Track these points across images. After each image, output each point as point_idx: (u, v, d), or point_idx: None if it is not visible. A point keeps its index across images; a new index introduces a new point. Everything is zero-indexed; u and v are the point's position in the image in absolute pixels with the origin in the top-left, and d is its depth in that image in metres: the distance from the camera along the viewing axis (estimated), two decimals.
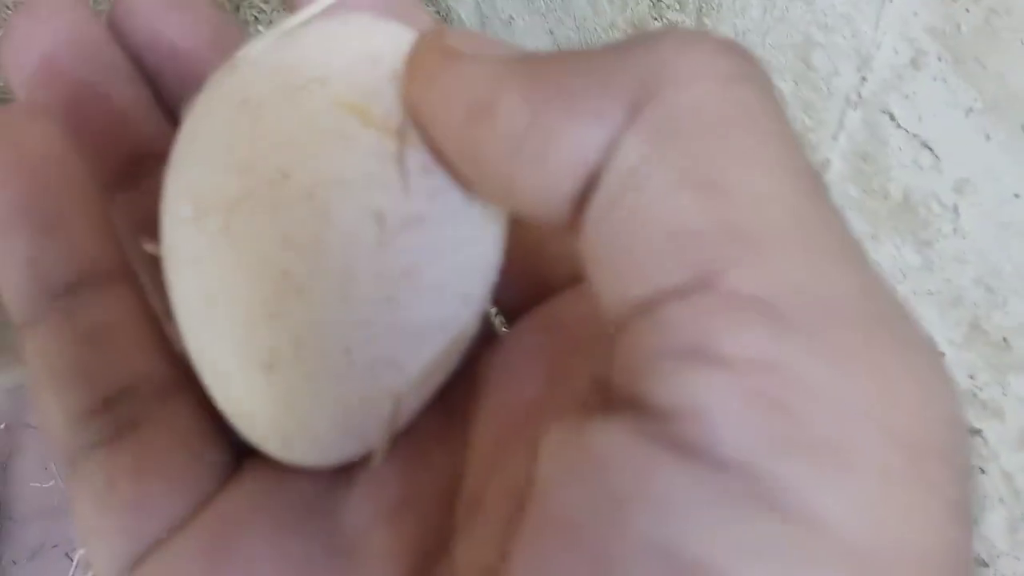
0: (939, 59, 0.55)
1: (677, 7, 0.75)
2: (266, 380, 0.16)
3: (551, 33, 1.01)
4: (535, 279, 0.20)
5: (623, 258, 0.13)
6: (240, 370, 0.16)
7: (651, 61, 0.14)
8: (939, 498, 0.12)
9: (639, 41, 0.14)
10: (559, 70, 0.14)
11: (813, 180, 0.13)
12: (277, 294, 0.16)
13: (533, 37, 1.06)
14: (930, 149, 0.59)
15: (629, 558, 0.12)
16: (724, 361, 0.12)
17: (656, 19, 0.79)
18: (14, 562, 0.77)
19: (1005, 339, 0.60)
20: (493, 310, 0.19)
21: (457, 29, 0.16)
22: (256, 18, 1.41)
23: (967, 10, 0.51)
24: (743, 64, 0.14)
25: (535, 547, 0.13)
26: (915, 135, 0.59)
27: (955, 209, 0.59)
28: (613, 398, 0.14)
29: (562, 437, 0.14)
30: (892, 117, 0.61)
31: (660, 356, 0.13)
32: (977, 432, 0.65)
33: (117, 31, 0.20)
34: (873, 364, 0.12)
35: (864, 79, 0.61)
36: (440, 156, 0.16)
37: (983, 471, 0.66)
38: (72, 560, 0.79)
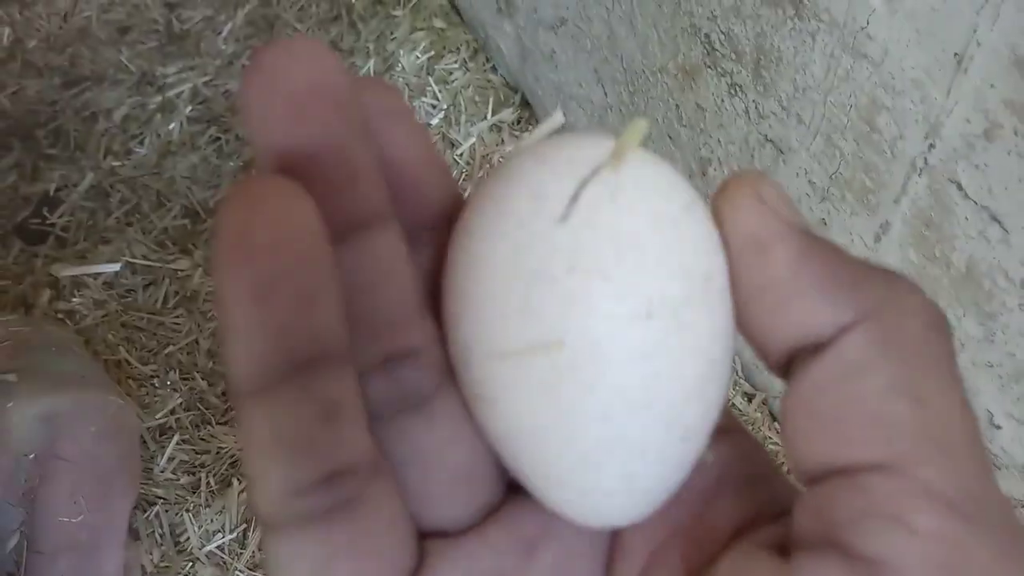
0: (1015, 133, 0.54)
1: (733, 57, 0.74)
2: (682, 448, 0.19)
3: (595, 71, 1.00)
4: None
5: (834, 427, 0.18)
6: (661, 440, 0.19)
7: (886, 290, 0.18)
8: None
9: (885, 273, 0.19)
10: (828, 254, 0.18)
11: (970, 407, 0.18)
12: (702, 380, 0.19)
13: (576, 73, 1.05)
14: (999, 222, 0.57)
15: None
16: (918, 532, 0.17)
17: (710, 67, 0.78)
18: None
19: None
20: None
21: (770, 181, 0.19)
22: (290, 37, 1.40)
23: None
24: (938, 315, 0.18)
25: None
26: (984, 207, 0.58)
27: (1023, 285, 0.58)
28: (805, 540, 0.18)
29: (772, 568, 0.18)
30: (960, 186, 0.59)
31: (866, 515, 0.17)
32: None
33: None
34: (1016, 555, 0.17)
35: (932, 146, 0.60)
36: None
37: None
38: None
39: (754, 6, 0.69)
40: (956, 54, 0.55)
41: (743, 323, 0.19)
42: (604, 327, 0.18)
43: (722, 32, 0.74)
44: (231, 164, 1.27)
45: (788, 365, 0.19)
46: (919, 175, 0.62)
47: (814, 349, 0.18)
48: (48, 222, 1.26)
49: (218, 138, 1.30)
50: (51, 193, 1.29)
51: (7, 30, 1.43)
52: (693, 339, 0.19)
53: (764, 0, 0.68)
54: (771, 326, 0.19)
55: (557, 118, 0.20)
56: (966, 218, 0.60)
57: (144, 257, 1.16)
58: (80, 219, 1.25)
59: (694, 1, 0.76)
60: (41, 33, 1.43)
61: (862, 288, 0.18)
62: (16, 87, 1.39)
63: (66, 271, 1.15)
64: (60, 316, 1.10)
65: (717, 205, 0.19)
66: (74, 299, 1.12)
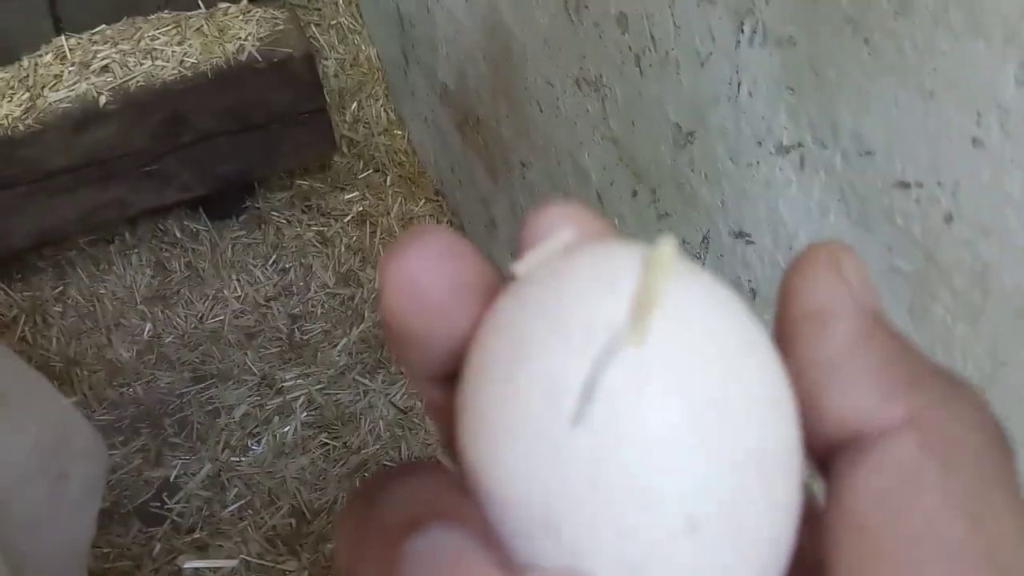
0: None
1: None
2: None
3: None
4: None
5: (887, 547, 0.16)
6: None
7: (946, 394, 0.17)
8: None
9: (949, 377, 0.17)
10: (891, 342, 0.17)
11: None
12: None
13: None
14: None
15: None
16: None
17: None
18: None
19: None
20: None
21: (853, 255, 0.18)
22: None
23: None
24: (1000, 431, 0.17)
25: None
26: None
27: None
28: None
29: None
30: None
31: None
32: None
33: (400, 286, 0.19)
34: None
35: None
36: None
37: None
38: None
39: None
40: None
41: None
42: (639, 551, 0.15)
43: None
44: (337, 470, 1.43)
45: (826, 460, 0.17)
46: None
47: (855, 446, 0.17)
48: (166, 507, 1.41)
49: (327, 443, 1.46)
50: (171, 479, 1.45)
51: (148, 325, 1.63)
52: (752, 539, 0.16)
53: None
54: (813, 407, 0.17)
55: (565, 235, 0.17)
56: None
57: (259, 556, 1.30)
58: (196, 506, 1.40)
59: None
60: (178, 331, 1.64)
61: (920, 387, 0.17)
62: (150, 377, 1.58)
63: (190, 563, 1.28)
64: None
65: (790, 273, 0.18)
66: None
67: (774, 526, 0.16)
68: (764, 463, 0.15)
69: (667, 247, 0.16)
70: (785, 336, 0.18)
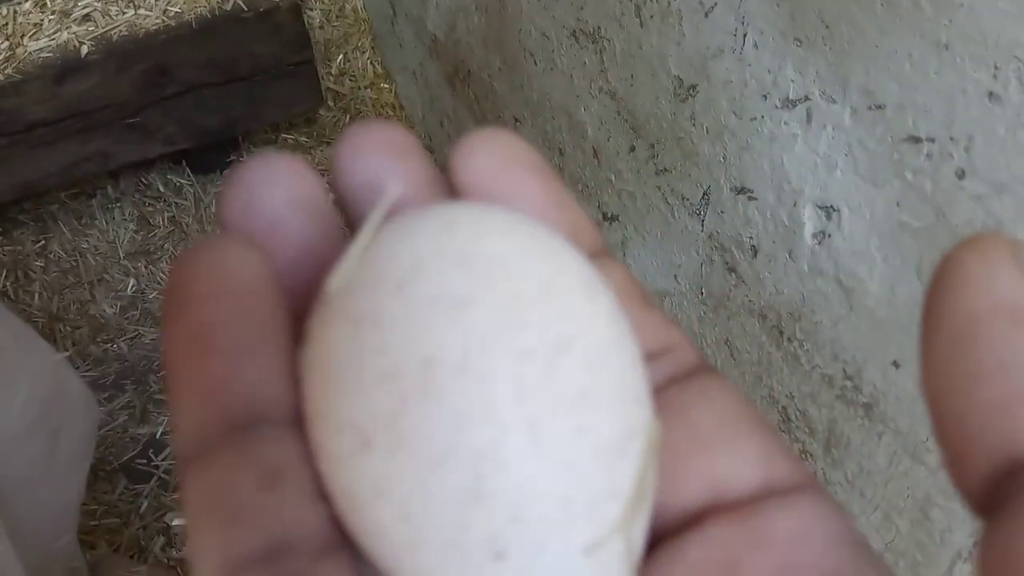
0: None
1: (807, 431, 0.90)
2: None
3: None
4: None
5: None
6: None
7: None
8: None
9: None
10: None
11: None
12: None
13: None
14: None
15: None
16: None
17: (783, 432, 0.94)
18: None
19: None
20: None
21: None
22: None
23: None
24: None
25: None
26: None
27: None
28: None
29: None
30: None
31: None
32: None
33: (339, 170, 0.19)
34: None
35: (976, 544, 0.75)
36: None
37: None
38: None
39: (829, 400, 0.86)
40: None
41: (951, 414, 0.15)
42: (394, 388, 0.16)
43: (799, 410, 0.91)
44: None
45: (998, 486, 0.15)
46: (963, 562, 0.77)
47: None
48: (152, 464, 1.40)
49: None
50: (157, 436, 1.43)
51: (132, 281, 1.61)
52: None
53: (839, 397, 0.85)
54: (1005, 416, 0.15)
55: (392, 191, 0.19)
56: None
57: None
58: None
59: (775, 379, 0.93)
60: (162, 287, 1.61)
61: None
62: (134, 333, 1.56)
63: (178, 520, 1.28)
64: (172, 564, 1.22)
65: (967, 258, 0.16)
66: (185, 549, 1.24)
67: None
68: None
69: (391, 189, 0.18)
70: (964, 327, 0.15)
